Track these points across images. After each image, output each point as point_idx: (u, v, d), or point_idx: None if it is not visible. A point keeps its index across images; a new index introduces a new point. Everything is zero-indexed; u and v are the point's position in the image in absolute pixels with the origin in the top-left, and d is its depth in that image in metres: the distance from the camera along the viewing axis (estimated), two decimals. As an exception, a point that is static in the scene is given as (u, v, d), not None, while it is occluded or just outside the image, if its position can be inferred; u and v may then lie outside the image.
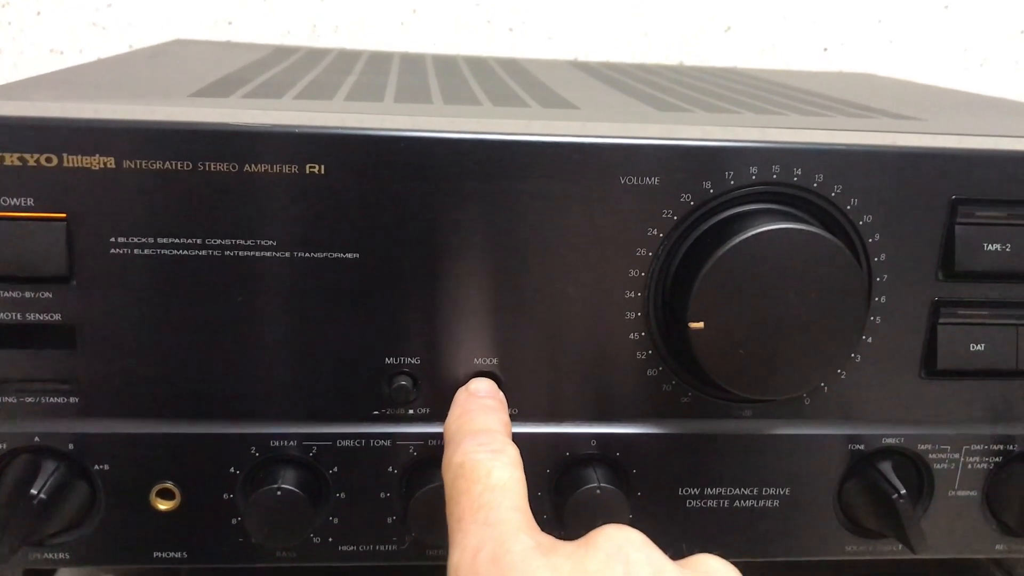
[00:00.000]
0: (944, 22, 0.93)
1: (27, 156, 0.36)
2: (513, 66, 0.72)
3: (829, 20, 0.92)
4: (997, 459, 0.44)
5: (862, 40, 0.93)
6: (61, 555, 0.41)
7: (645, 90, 0.59)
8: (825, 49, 0.94)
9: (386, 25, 0.88)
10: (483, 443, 0.35)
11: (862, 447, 0.44)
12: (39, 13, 0.85)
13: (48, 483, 0.39)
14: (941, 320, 0.42)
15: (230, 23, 0.87)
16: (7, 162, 0.36)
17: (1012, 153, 0.41)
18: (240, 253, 0.38)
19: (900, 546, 0.43)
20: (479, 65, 0.71)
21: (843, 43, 0.93)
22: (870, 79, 0.80)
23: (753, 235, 0.38)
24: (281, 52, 0.72)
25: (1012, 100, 0.64)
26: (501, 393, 0.41)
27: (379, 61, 0.69)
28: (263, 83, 0.51)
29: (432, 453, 0.41)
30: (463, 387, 0.40)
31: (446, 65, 0.69)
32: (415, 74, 0.61)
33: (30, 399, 0.39)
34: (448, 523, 0.33)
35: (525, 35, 0.90)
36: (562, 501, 0.42)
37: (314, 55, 0.71)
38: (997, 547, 0.46)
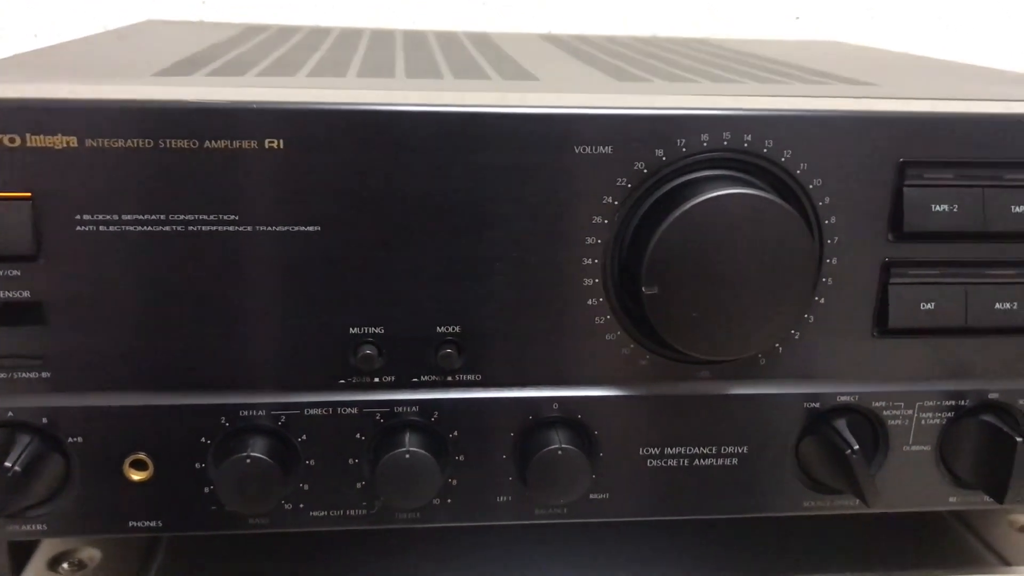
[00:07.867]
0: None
1: (-10, 137, 0.37)
2: (483, 40, 0.72)
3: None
4: (949, 414, 0.46)
5: (833, 8, 0.94)
6: (39, 527, 0.43)
7: (610, 61, 0.60)
8: (797, 18, 0.94)
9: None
10: None
11: (817, 405, 0.45)
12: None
13: (23, 456, 0.40)
14: (892, 280, 0.43)
15: (204, 1, 0.87)
16: (-29, 143, 0.37)
17: (958, 115, 0.42)
18: (203, 228, 0.39)
19: (857, 500, 0.44)
20: (449, 40, 0.71)
21: (815, 12, 0.94)
22: (837, 47, 0.81)
23: (703, 201, 0.39)
24: (252, 30, 0.73)
25: (972, 64, 0.65)
26: None
27: (348, 37, 0.70)
28: (229, 61, 0.51)
29: (398, 420, 0.43)
30: None
31: (415, 40, 0.69)
32: (382, 49, 0.61)
33: (2, 375, 0.40)
34: None
35: (499, 8, 0.90)
36: (525, 463, 0.43)
37: (284, 33, 0.72)
38: (951, 499, 0.47)
